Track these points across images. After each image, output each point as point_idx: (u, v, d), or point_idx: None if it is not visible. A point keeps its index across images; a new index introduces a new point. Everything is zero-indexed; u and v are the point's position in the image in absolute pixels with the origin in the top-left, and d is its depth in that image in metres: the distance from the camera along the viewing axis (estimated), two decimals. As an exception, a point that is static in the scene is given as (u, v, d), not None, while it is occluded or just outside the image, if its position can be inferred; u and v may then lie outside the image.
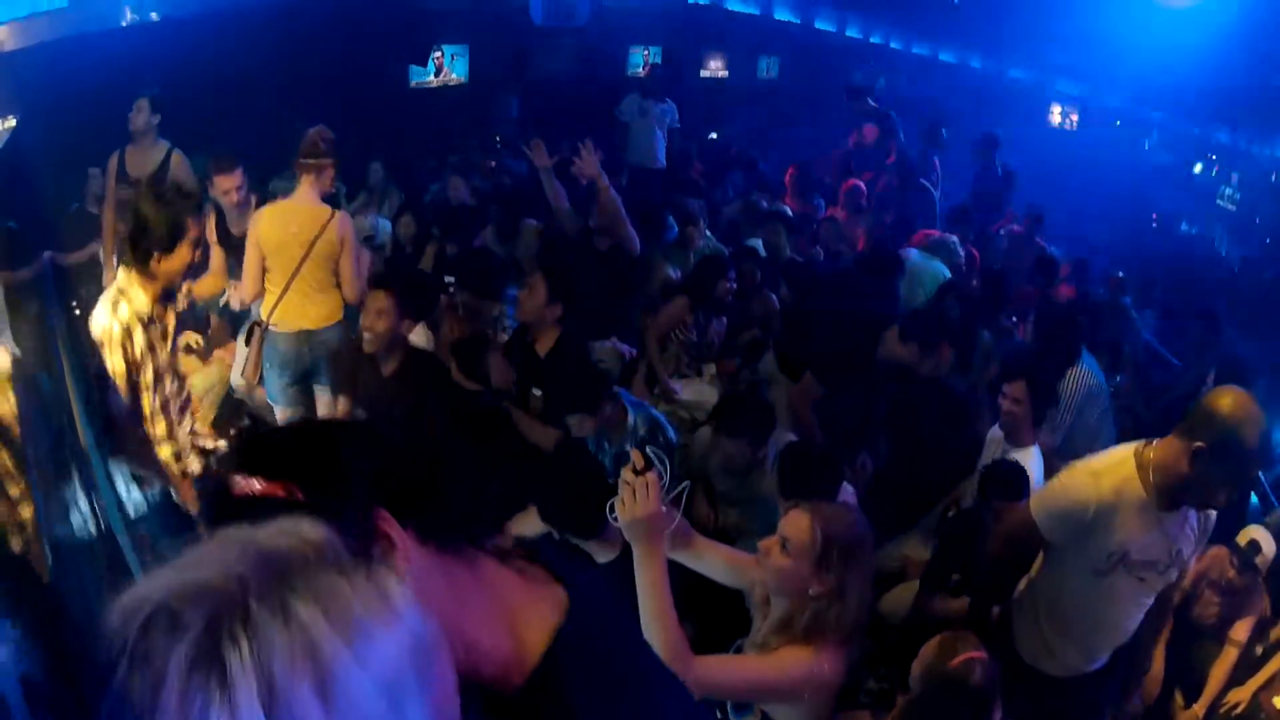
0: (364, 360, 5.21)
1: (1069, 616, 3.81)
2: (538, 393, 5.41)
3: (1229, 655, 5.31)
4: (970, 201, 10.66)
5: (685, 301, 6.46)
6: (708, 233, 7.99)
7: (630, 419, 5.05)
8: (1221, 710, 5.15)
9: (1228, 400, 3.30)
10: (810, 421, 5.64)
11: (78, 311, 6.76)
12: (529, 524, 3.98)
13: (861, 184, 10.14)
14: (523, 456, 5.18)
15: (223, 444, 6.62)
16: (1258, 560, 5.11)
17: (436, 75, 12.14)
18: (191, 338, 6.31)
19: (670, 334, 6.48)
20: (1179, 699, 5.33)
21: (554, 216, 7.04)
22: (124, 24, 8.16)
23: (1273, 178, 15.61)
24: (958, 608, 4.75)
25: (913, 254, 7.89)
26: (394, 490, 1.46)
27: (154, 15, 8.40)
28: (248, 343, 5.87)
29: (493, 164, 10.76)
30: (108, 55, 7.55)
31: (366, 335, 5.05)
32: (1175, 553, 3.59)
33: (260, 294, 5.69)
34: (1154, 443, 3.48)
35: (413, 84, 11.92)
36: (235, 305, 6.13)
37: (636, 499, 2.71)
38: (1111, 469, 3.52)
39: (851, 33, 15.99)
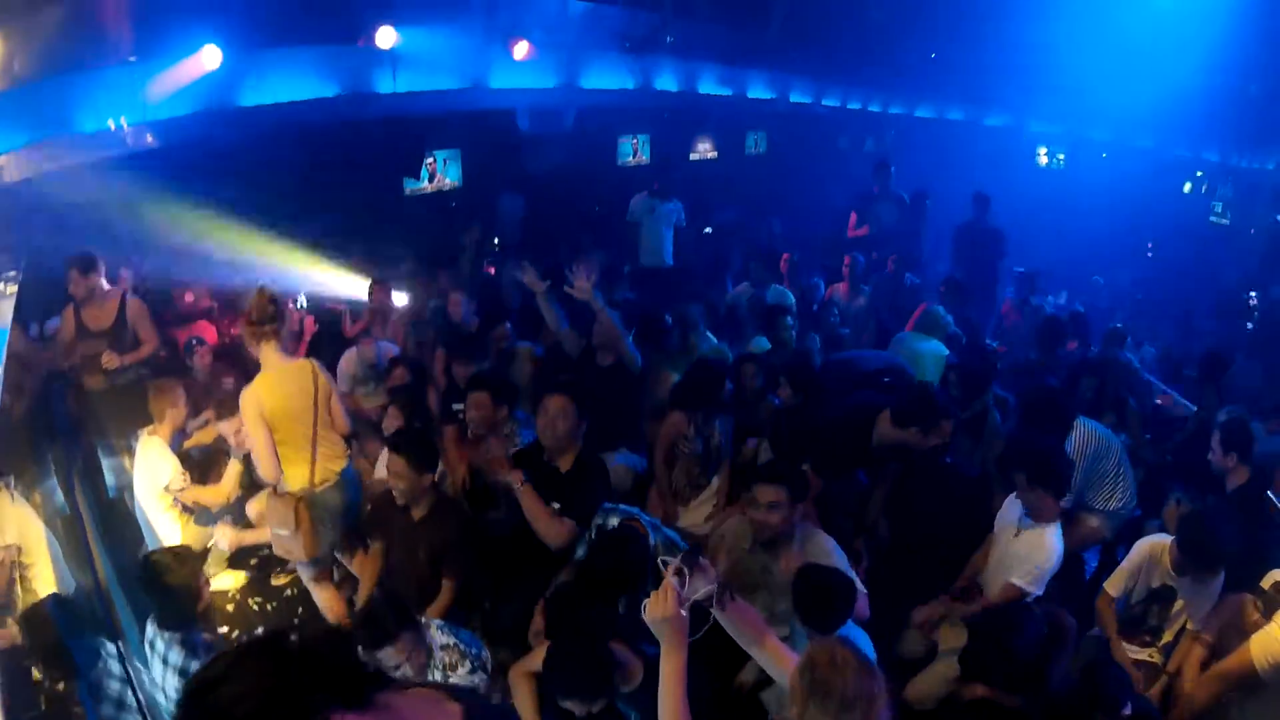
0: (395, 507, 5.40)
1: None
2: (556, 506, 5.41)
3: None
4: (956, 268, 10.82)
5: (680, 414, 6.52)
6: (709, 334, 8.11)
7: (651, 540, 5.11)
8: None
9: None
10: (812, 514, 5.65)
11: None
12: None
13: (860, 256, 10.27)
14: (540, 581, 5.30)
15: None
16: None
17: (430, 181, 12.32)
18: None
19: (674, 447, 6.53)
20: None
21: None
22: (124, 152, 8.35)
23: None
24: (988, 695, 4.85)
25: (905, 339, 7.99)
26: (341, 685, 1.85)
27: (149, 139, 8.58)
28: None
29: (491, 270, 10.90)
30: (111, 182, 7.76)
31: (395, 491, 5.28)
32: None
33: (279, 472, 5.61)
34: None
35: (408, 191, 12.09)
36: (224, 547, 6.33)
37: (658, 602, 2.93)
38: None
39: (831, 101, 16.13)
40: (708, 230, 13.66)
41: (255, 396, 5.45)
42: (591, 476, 5.51)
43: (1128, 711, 4.16)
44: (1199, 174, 18.26)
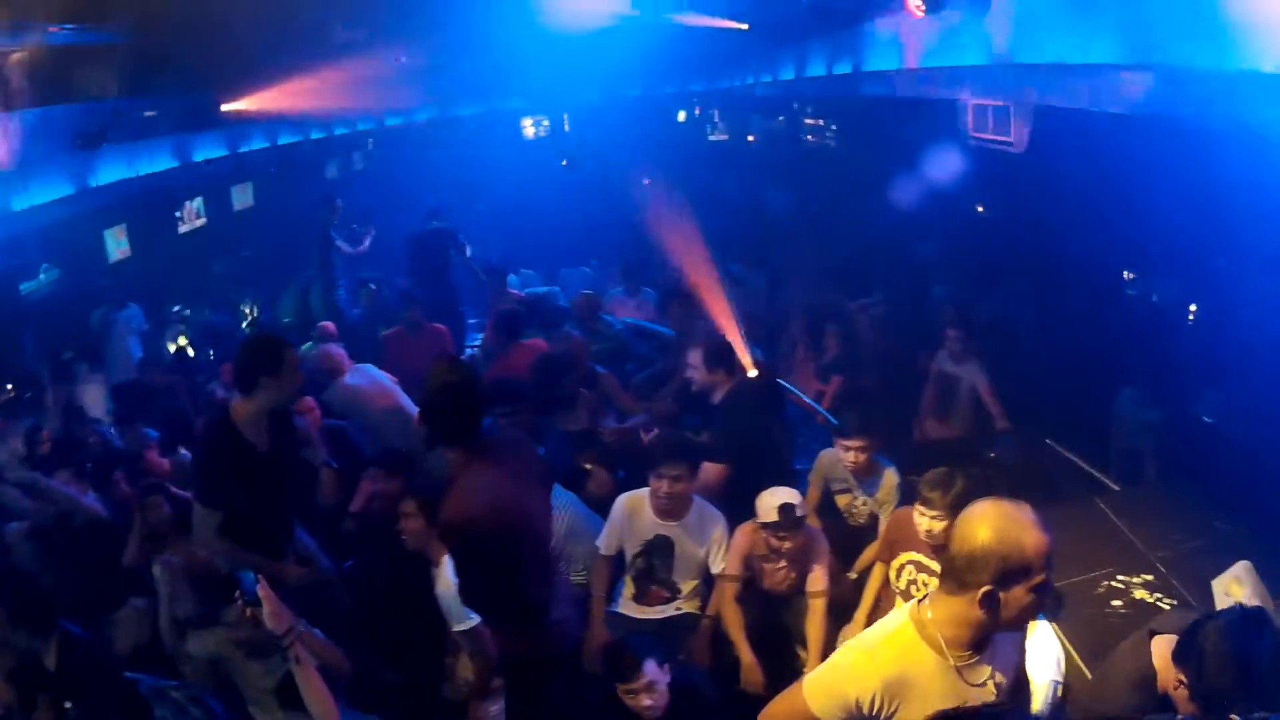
0: None
1: None
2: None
3: (817, 608, 5.49)
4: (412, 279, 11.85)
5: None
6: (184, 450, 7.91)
7: None
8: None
9: (985, 529, 2.80)
10: None
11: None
12: None
13: None
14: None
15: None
16: (799, 514, 5.31)
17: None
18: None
19: None
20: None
21: None
22: None
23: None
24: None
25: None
26: None
27: None
28: None
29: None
30: None
31: None
32: (999, 682, 3.06)
33: None
34: (926, 601, 3.03)
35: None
36: None
37: None
38: (889, 642, 3.02)
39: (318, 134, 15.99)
40: (183, 314, 12.98)
41: None
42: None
43: (648, 674, 4.29)
44: (693, 100, 19.80)
